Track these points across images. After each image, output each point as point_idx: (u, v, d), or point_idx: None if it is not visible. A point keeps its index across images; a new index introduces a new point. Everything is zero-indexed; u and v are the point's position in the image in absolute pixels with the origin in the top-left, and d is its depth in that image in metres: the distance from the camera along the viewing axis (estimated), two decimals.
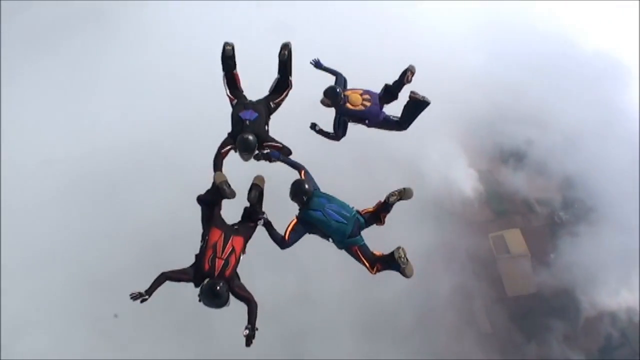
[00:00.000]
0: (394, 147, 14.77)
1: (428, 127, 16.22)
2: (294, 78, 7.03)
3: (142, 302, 5.58)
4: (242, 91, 7.01)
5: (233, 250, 5.78)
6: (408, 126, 7.18)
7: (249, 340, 5.60)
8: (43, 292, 13.11)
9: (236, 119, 6.66)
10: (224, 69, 6.98)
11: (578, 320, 15.76)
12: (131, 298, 5.53)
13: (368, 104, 7.05)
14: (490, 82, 17.04)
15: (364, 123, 7.16)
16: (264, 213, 6.22)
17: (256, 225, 6.14)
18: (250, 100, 6.91)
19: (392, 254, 5.90)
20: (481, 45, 17.79)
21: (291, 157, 6.59)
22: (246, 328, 5.58)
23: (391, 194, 6.07)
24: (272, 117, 7.00)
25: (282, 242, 6.10)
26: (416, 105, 6.96)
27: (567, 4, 18.59)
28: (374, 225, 6.24)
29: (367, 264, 6.05)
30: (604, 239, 16.03)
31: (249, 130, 6.50)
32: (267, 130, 6.79)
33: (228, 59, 6.91)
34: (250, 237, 6.08)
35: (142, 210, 13.80)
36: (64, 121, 15.37)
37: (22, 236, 13.86)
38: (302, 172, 6.35)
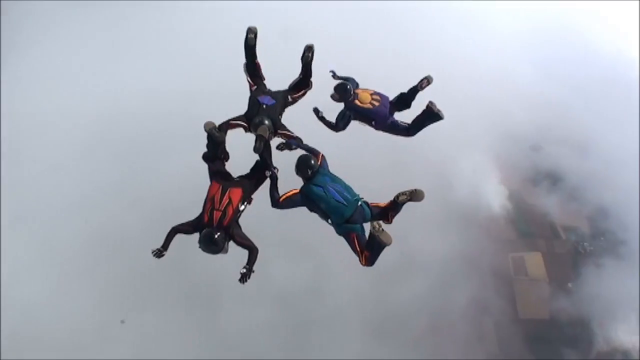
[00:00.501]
0: (427, 152, 14.67)
1: (465, 135, 16.10)
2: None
3: (159, 257, 6.09)
4: (264, 79, 7.26)
5: (230, 201, 6.08)
6: (415, 134, 7.28)
7: (243, 277, 5.96)
8: (51, 245, 13.29)
9: (253, 102, 6.91)
10: (246, 57, 7.17)
11: (590, 353, 15.35)
12: (153, 255, 6.04)
13: (376, 103, 7.13)
14: (535, 96, 16.63)
15: (370, 124, 7.24)
16: (275, 168, 6.48)
17: (264, 177, 6.43)
18: (270, 89, 7.15)
19: (370, 234, 5.87)
20: (530, 56, 17.35)
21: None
22: (244, 267, 5.98)
23: (401, 193, 6.02)
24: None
25: (276, 202, 6.23)
26: (430, 116, 7.07)
27: (627, 28, 17.97)
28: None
29: (359, 252, 6.04)
30: (630, 275, 15.48)
31: (264, 114, 6.72)
32: (281, 120, 6.98)
33: (251, 48, 7.08)
34: (254, 187, 6.42)
35: (163, 173, 13.86)
36: (90, 80, 15.66)
37: (35, 191, 14.10)
38: (319, 155, 6.45)
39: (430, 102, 7.04)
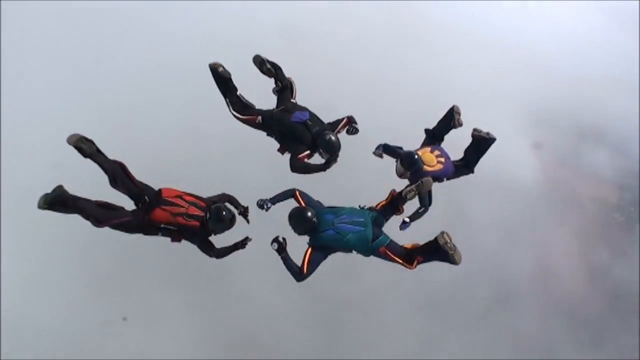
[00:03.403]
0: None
1: (490, 96, 14.70)
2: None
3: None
4: (254, 106, 6.40)
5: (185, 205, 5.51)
6: (475, 167, 6.83)
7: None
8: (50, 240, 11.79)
9: (291, 126, 6.09)
10: (227, 96, 6.28)
11: None
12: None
13: (443, 160, 6.57)
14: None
15: (439, 181, 6.61)
16: (278, 239, 5.79)
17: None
18: (279, 109, 6.29)
19: (435, 240, 5.44)
20: None
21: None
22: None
23: (408, 191, 5.75)
24: None
25: (299, 275, 5.57)
26: (481, 145, 6.58)
27: None
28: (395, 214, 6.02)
29: (401, 261, 5.61)
30: None
31: (323, 129, 6.07)
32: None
33: (227, 81, 6.22)
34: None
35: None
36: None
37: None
38: (297, 194, 5.87)
39: (475, 130, 6.59)
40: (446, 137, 7.09)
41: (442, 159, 6.53)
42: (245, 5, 14.64)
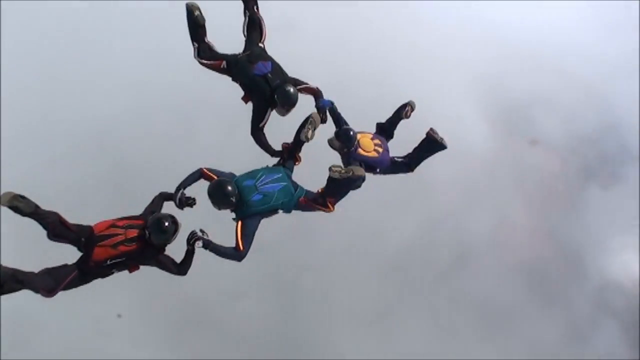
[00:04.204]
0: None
1: (451, 67, 14.71)
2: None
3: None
4: (218, 51, 6.04)
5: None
6: (415, 168, 6.71)
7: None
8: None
9: (252, 79, 5.80)
10: (195, 40, 5.95)
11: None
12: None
13: (380, 149, 6.42)
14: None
15: (374, 172, 6.47)
16: (203, 233, 5.26)
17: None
18: (245, 54, 5.96)
19: (331, 178, 5.47)
20: None
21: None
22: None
23: (306, 131, 5.68)
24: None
25: (238, 254, 5.18)
26: (431, 146, 6.52)
27: None
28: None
29: (319, 207, 5.63)
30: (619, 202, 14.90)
31: (281, 81, 5.74)
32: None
33: (201, 27, 5.91)
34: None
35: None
36: None
37: None
38: (205, 172, 5.45)
39: (432, 130, 6.48)
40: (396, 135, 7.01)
41: (380, 149, 6.40)
42: None
